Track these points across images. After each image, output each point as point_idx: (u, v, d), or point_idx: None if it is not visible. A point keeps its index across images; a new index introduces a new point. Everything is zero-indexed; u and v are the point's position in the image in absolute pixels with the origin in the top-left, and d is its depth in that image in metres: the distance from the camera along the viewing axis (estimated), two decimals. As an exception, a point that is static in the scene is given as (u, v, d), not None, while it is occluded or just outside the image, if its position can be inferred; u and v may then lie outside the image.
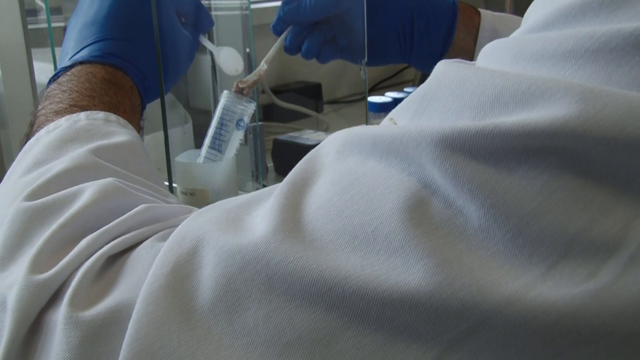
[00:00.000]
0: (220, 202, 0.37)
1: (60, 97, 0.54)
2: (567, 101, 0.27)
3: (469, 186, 0.28)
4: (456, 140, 0.29)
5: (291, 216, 0.32)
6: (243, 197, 0.37)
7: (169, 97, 0.73)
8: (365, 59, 0.81)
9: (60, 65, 0.59)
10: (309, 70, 1.33)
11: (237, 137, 0.70)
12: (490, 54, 0.34)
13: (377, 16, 0.82)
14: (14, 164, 0.48)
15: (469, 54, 0.82)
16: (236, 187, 0.71)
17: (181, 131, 0.87)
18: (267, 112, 1.17)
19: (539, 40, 0.31)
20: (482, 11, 0.84)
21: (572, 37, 0.30)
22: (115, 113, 0.53)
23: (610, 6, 0.30)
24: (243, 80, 0.70)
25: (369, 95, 1.08)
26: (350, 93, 1.41)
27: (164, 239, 0.37)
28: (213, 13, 0.85)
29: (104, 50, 0.58)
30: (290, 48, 0.81)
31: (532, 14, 0.34)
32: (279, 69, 1.31)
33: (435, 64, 0.34)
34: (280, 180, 0.35)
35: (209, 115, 0.78)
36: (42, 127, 0.50)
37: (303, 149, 0.32)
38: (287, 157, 0.92)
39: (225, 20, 0.85)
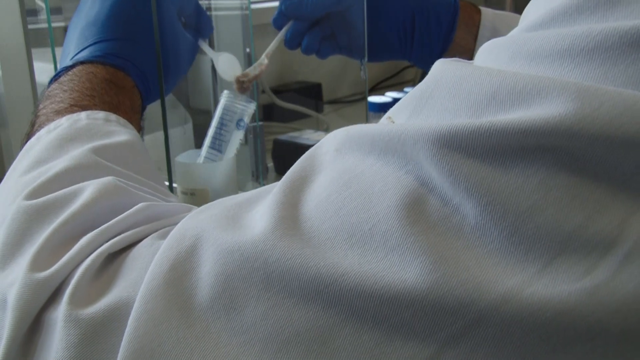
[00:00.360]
0: (219, 200, 0.38)
1: (61, 97, 0.54)
2: (563, 99, 0.28)
3: (466, 184, 0.29)
4: (453, 138, 0.29)
5: (289, 214, 0.32)
6: (243, 195, 0.37)
7: (169, 97, 0.72)
8: (366, 59, 0.81)
9: (61, 66, 0.59)
10: (309, 70, 1.32)
11: (237, 137, 0.70)
12: (489, 52, 0.34)
13: (379, 14, 0.82)
14: (14, 163, 0.49)
15: (469, 52, 0.82)
16: (236, 187, 0.71)
17: (181, 131, 0.87)
18: (267, 112, 1.17)
19: (536, 39, 0.31)
20: (483, 9, 0.84)
21: (569, 36, 0.30)
22: (115, 113, 0.53)
23: (606, 5, 0.30)
24: (244, 74, 0.70)
25: (369, 95, 1.08)
26: (351, 93, 1.41)
27: (164, 236, 0.37)
28: (213, 13, 0.85)
29: (105, 51, 0.58)
30: (290, 43, 0.81)
31: (530, 12, 0.34)
32: (279, 69, 1.31)
33: (435, 62, 0.34)
34: (280, 180, 0.35)
35: (209, 115, 0.78)
36: (43, 127, 0.50)
37: (303, 149, 0.32)
38: (287, 157, 0.92)
39: (225, 20, 0.85)
